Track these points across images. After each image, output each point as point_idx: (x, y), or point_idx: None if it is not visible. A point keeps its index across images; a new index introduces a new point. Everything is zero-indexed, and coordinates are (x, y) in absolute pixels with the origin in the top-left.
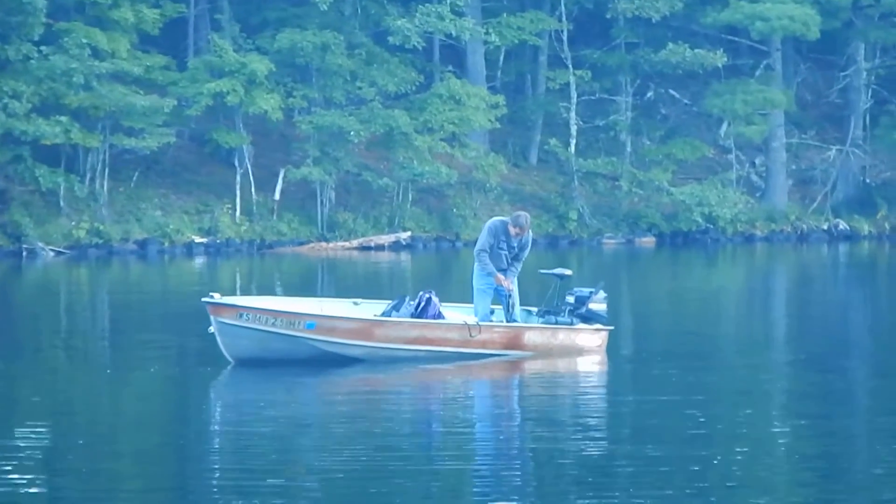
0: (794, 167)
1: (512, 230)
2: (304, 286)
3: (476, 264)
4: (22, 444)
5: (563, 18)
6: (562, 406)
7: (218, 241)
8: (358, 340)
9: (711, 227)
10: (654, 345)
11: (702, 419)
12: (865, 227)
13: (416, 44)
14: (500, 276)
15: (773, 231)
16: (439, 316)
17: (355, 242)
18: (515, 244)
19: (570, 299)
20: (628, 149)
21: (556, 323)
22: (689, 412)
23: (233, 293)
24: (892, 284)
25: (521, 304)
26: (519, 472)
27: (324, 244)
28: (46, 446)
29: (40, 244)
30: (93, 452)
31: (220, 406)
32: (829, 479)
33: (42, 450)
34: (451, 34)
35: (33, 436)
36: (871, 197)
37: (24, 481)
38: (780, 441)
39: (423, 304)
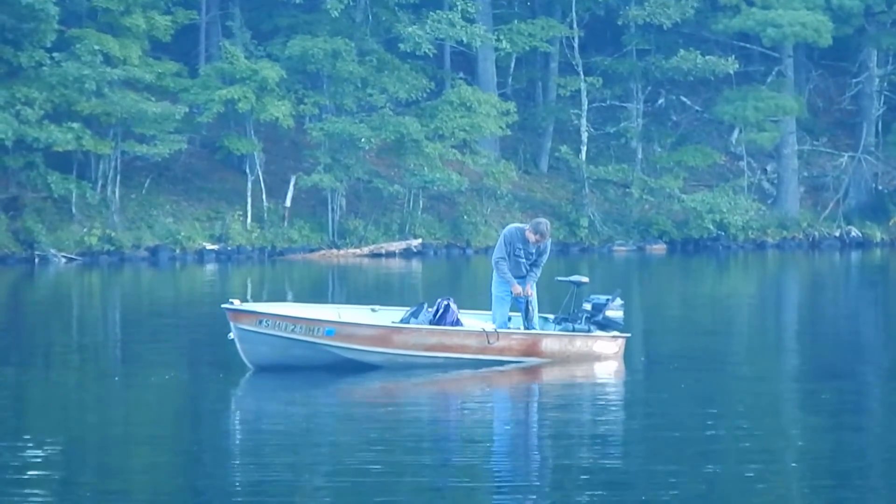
0: (805, 174)
1: (532, 237)
2: (315, 293)
3: (494, 272)
4: (33, 454)
5: (574, 25)
6: (578, 416)
7: (229, 248)
8: (377, 347)
9: (722, 234)
10: (668, 352)
11: (716, 432)
12: (878, 234)
13: (427, 51)
14: (518, 286)
15: (784, 238)
16: (457, 323)
17: (366, 250)
18: (534, 250)
19: (587, 306)
20: (639, 156)
21: (574, 330)
22: (704, 424)
23: (244, 300)
24: None
25: (538, 311)
26: (536, 486)
27: (334, 251)
28: (58, 457)
29: (52, 251)
30: (105, 465)
31: (236, 415)
32: (845, 496)
33: (53, 461)
34: (462, 41)
35: (44, 446)
36: (884, 204)
37: (35, 493)
38: (795, 456)
39: (441, 311)
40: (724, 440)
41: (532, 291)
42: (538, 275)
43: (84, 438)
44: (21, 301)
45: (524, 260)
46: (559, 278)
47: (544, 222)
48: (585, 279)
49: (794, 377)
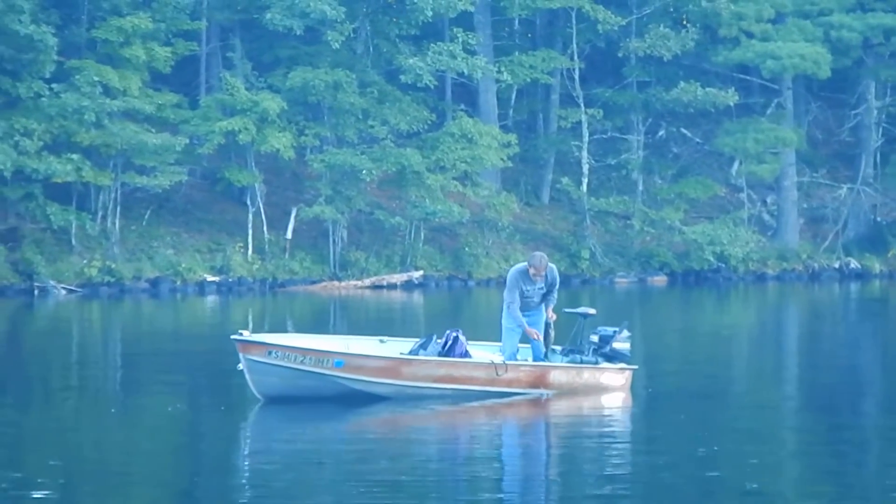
0: (805, 206)
1: (531, 271)
2: (317, 325)
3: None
4: (29, 492)
5: (575, 57)
6: (586, 451)
7: (230, 280)
8: (385, 379)
9: (723, 266)
10: (672, 384)
11: (719, 471)
12: (877, 266)
13: (428, 82)
14: (533, 329)
15: (784, 270)
16: (466, 354)
17: (367, 281)
18: (542, 283)
19: (595, 338)
20: (640, 187)
21: (581, 362)
22: (708, 461)
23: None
24: None
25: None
26: None
27: (336, 283)
28: (54, 496)
29: (52, 282)
30: (105, 501)
31: (240, 450)
32: None
33: (50, 501)
34: (463, 73)
35: (40, 484)
36: (883, 235)
37: None
38: (798, 494)
39: (450, 342)
40: (727, 478)
41: (553, 315)
42: (555, 299)
43: (82, 474)
44: (20, 333)
45: (532, 297)
46: (567, 310)
47: (538, 255)
48: (593, 311)
49: (796, 410)
